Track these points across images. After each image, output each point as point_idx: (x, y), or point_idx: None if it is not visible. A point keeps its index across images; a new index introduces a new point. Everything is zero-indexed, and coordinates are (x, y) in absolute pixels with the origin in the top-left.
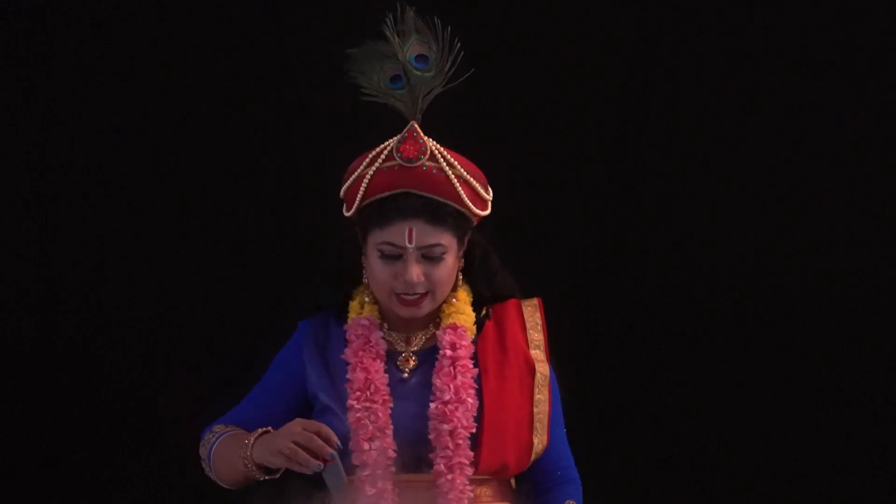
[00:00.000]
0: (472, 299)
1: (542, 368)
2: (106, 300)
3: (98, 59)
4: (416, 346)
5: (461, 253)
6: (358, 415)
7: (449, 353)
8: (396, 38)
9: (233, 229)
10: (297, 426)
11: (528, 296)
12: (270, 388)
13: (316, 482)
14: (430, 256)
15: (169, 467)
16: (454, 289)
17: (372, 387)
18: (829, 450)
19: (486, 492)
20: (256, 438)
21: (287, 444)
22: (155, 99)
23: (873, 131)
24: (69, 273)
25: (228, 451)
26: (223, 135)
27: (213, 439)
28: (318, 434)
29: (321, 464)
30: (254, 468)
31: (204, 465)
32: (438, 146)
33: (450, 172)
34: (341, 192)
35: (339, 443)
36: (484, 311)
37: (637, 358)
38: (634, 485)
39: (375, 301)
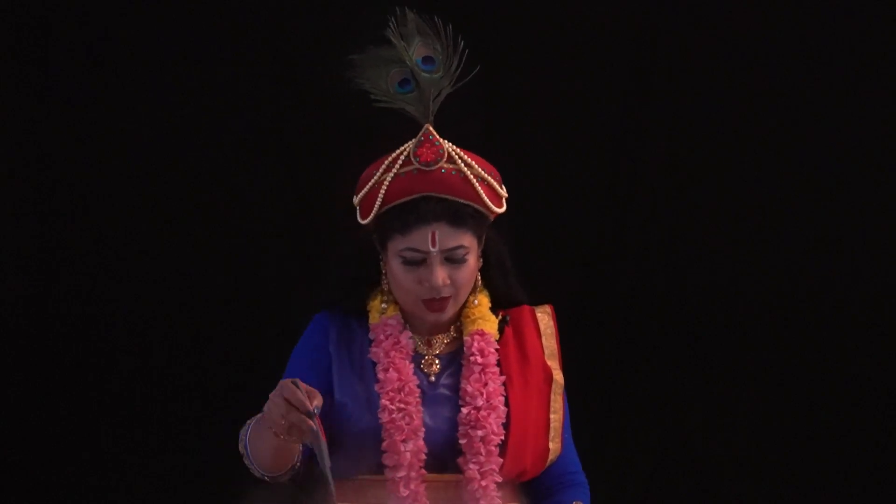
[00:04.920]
0: (489, 304)
1: (557, 376)
2: (106, 300)
3: (98, 60)
4: (437, 349)
5: (480, 251)
6: (392, 416)
7: (479, 359)
8: (401, 41)
9: (234, 230)
10: (274, 393)
11: (531, 299)
12: (305, 375)
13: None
14: (453, 259)
15: (168, 467)
16: (474, 291)
17: (406, 388)
18: (830, 450)
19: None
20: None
21: (278, 413)
22: (155, 99)
23: (874, 131)
24: (69, 274)
25: (260, 430)
26: (224, 135)
27: (246, 429)
28: (296, 391)
29: (312, 425)
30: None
31: (245, 462)
32: (455, 147)
33: (468, 173)
34: (355, 201)
35: (318, 403)
36: (501, 316)
37: (637, 359)
38: (634, 485)
39: (395, 301)
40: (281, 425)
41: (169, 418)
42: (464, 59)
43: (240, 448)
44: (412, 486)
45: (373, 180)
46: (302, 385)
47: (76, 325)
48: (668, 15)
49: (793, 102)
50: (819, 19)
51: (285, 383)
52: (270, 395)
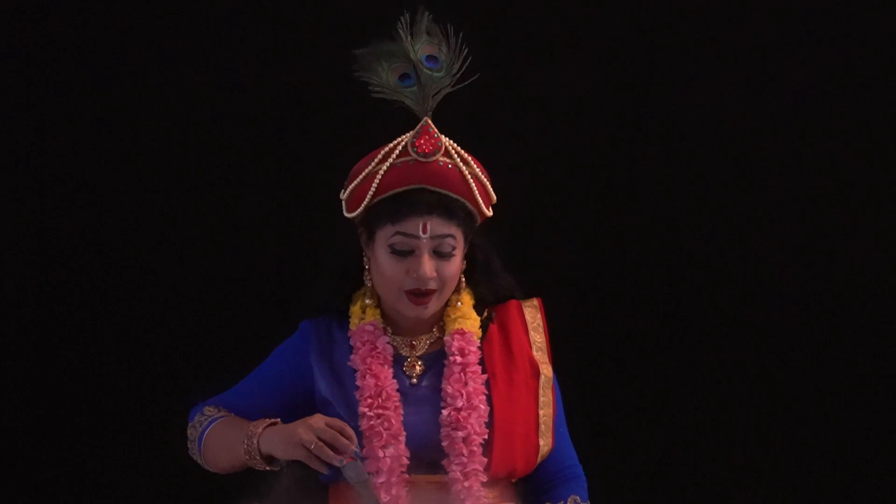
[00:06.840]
0: (473, 302)
1: (546, 370)
2: (106, 300)
3: (98, 60)
4: (420, 350)
5: (464, 253)
6: (371, 422)
7: (459, 359)
8: (409, 38)
9: (234, 229)
10: (319, 421)
11: (528, 296)
12: (269, 379)
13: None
14: (441, 252)
15: (168, 467)
16: (457, 291)
17: (383, 393)
18: (830, 450)
19: (490, 493)
20: (264, 429)
21: (311, 438)
22: (155, 99)
23: (874, 131)
24: (69, 274)
25: (226, 436)
26: (224, 135)
27: (206, 422)
28: (342, 432)
29: (343, 458)
30: (258, 458)
31: (190, 447)
32: (452, 143)
33: (464, 169)
34: (344, 195)
35: (357, 445)
36: (486, 314)
37: (637, 359)
38: (634, 485)
39: (377, 304)
40: (309, 441)
41: (169, 418)
42: (467, 63)
43: (189, 433)
44: (393, 491)
45: (366, 171)
46: (347, 429)
47: (76, 325)
48: (668, 15)
49: (793, 102)
50: (820, 19)
51: (325, 428)
52: (305, 430)
